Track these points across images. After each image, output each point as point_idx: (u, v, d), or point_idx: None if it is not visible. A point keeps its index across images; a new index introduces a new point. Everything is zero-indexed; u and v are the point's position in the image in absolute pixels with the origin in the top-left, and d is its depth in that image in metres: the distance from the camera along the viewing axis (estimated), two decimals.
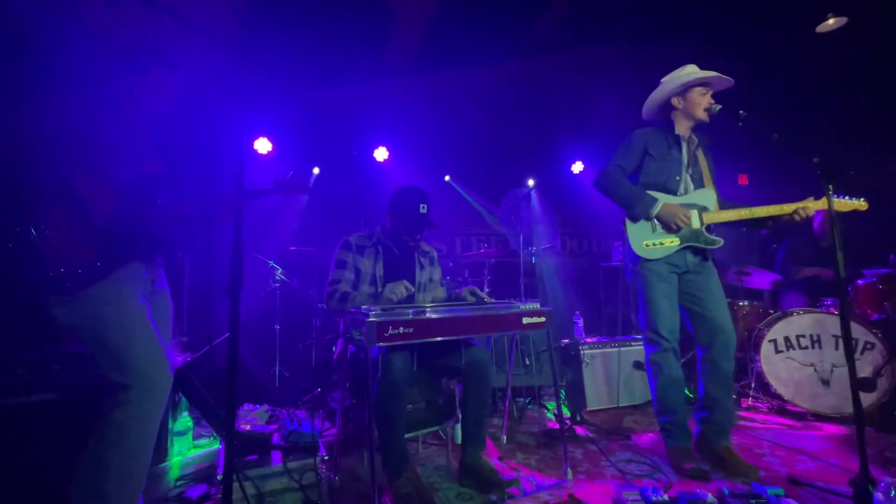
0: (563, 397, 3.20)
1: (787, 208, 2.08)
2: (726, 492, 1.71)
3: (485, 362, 1.99)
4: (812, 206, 2.05)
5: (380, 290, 2.09)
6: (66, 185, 1.37)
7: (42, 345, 1.93)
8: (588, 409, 3.00)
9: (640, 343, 3.22)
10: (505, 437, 2.38)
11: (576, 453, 2.27)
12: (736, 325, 2.58)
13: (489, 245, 5.49)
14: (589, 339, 3.20)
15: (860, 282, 3.07)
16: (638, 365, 3.14)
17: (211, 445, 2.45)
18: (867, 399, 2.60)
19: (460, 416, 2.09)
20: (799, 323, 2.84)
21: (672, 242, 2.11)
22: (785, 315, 2.89)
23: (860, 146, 4.14)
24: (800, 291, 3.49)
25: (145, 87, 1.60)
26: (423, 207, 2.10)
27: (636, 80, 3.95)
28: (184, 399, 2.49)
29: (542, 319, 1.93)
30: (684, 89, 2.16)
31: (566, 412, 2.87)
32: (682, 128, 2.22)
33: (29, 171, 1.35)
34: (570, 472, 1.97)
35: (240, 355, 1.16)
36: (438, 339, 1.71)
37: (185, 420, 2.43)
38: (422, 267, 2.29)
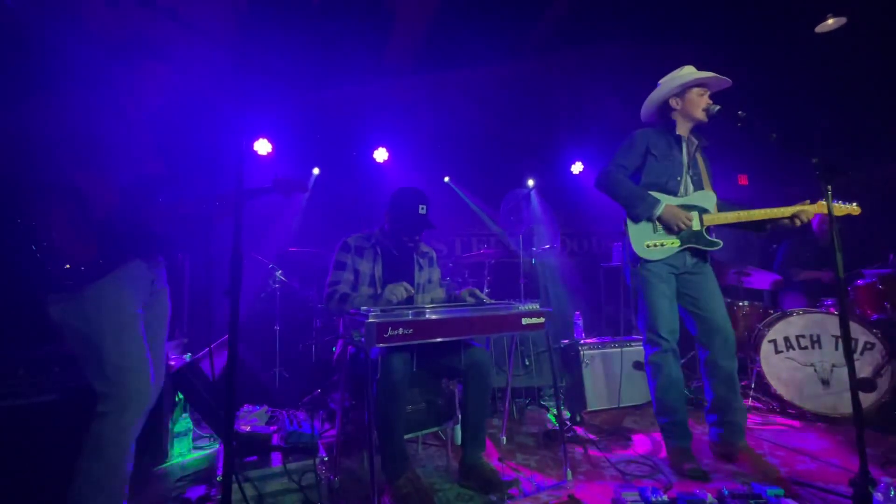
0: (563, 398, 3.20)
1: (785, 211, 2.09)
2: (726, 492, 1.70)
3: (484, 363, 1.99)
4: (810, 209, 2.06)
5: (379, 291, 2.10)
6: (68, 184, 1.37)
7: (43, 346, 1.93)
8: (588, 409, 3.00)
9: (640, 344, 3.21)
10: (505, 438, 2.38)
11: (576, 454, 2.27)
12: (736, 325, 2.59)
13: (489, 246, 5.49)
14: (589, 340, 3.20)
15: (860, 282, 3.07)
16: (638, 365, 3.14)
17: (211, 447, 2.46)
18: (867, 399, 2.60)
19: (460, 416, 2.09)
20: (799, 323, 2.84)
21: (672, 244, 2.12)
22: (785, 315, 2.89)
23: (860, 146, 4.14)
24: (799, 292, 3.49)
25: (146, 87, 1.60)
26: (422, 208, 2.10)
27: (636, 80, 3.95)
28: (183, 400, 2.50)
29: (542, 320, 1.93)
30: (682, 90, 2.16)
31: (566, 413, 2.87)
32: (682, 129, 2.22)
33: (31, 169, 1.35)
34: (569, 472, 1.97)
35: (239, 356, 1.16)
36: (438, 339, 1.71)
37: (185, 421, 2.43)
38: (420, 268, 2.29)
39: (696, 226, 2.13)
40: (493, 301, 2.07)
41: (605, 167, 2.22)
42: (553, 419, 2.82)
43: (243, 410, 2.25)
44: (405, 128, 4.90)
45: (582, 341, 3.18)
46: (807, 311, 2.87)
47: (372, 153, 4.90)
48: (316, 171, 4.80)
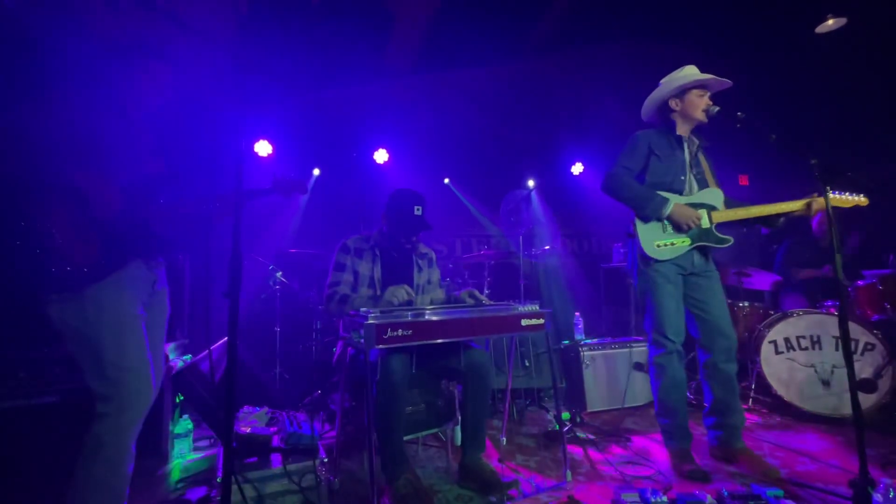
0: (563, 399, 3.20)
1: (794, 205, 2.07)
2: (725, 493, 1.70)
3: (484, 364, 1.99)
4: (822, 200, 2.00)
5: (378, 292, 2.10)
6: (69, 185, 1.38)
7: (44, 348, 1.94)
8: (588, 410, 3.00)
9: (641, 344, 3.22)
10: (504, 439, 2.38)
11: (575, 455, 2.27)
12: (736, 326, 2.58)
13: (489, 246, 5.50)
14: (589, 341, 3.20)
15: (860, 282, 3.06)
16: (638, 366, 3.13)
17: (211, 448, 2.46)
18: (868, 400, 2.59)
19: (460, 417, 2.09)
20: (799, 324, 2.84)
21: (683, 242, 2.11)
22: (785, 316, 2.89)
23: (860, 147, 4.13)
24: (800, 292, 3.48)
25: (146, 88, 1.61)
26: (418, 209, 2.10)
27: (636, 81, 3.95)
28: (183, 401, 2.50)
29: (542, 321, 1.93)
30: (681, 92, 2.17)
31: (566, 414, 2.87)
32: (682, 129, 2.22)
33: (33, 170, 1.36)
34: (569, 473, 1.97)
35: (239, 357, 1.17)
36: (438, 341, 1.71)
37: (185, 422, 2.44)
38: (420, 269, 2.29)
39: (705, 223, 2.12)
40: (491, 302, 2.07)
41: (610, 170, 2.22)
42: (553, 420, 2.82)
43: (243, 412, 2.25)
44: (405, 129, 4.90)
45: (582, 342, 3.18)
46: (807, 312, 2.87)
47: (372, 154, 4.91)
48: (316, 171, 4.81)
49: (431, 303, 2.23)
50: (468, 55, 3.87)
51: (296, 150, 4.66)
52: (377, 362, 1.83)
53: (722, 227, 2.17)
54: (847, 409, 2.58)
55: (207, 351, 1.41)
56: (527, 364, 3.14)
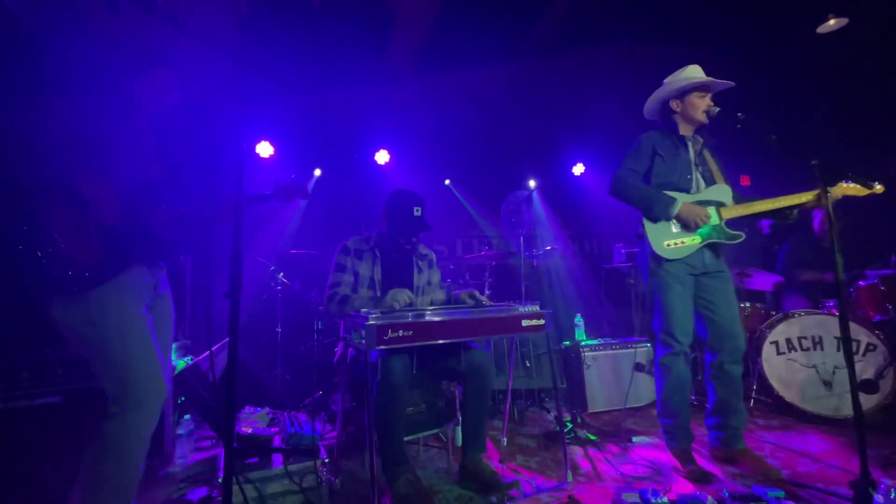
0: (564, 399, 3.20)
1: (803, 197, 2.04)
2: (726, 494, 1.70)
3: (485, 365, 1.99)
4: (833, 191, 1.97)
5: (378, 293, 2.10)
6: (71, 188, 1.38)
7: (46, 348, 1.95)
8: (589, 411, 3.00)
9: (642, 345, 3.22)
10: (505, 440, 2.38)
11: (576, 456, 2.27)
12: None
13: (490, 247, 5.50)
14: (590, 341, 3.20)
15: (862, 283, 3.05)
16: (639, 367, 3.13)
17: (213, 448, 2.47)
18: (869, 401, 2.58)
19: (460, 418, 2.10)
20: (801, 324, 2.83)
21: (693, 241, 2.10)
22: (787, 316, 2.88)
23: (861, 147, 4.12)
24: (802, 293, 3.47)
25: (148, 91, 1.61)
26: (418, 210, 2.10)
27: (636, 81, 3.95)
28: (186, 402, 2.51)
29: (542, 322, 1.93)
30: (682, 93, 2.17)
31: (566, 414, 2.87)
32: (685, 130, 2.22)
33: (36, 173, 1.37)
34: (570, 474, 1.97)
35: (240, 358, 1.17)
36: (438, 341, 1.72)
37: (186, 423, 2.44)
38: (420, 270, 2.29)
39: (714, 220, 2.11)
40: (491, 303, 2.07)
41: (616, 173, 2.22)
42: (554, 421, 2.83)
43: (245, 412, 2.26)
44: (406, 130, 4.91)
45: (583, 343, 3.17)
46: (809, 313, 2.86)
47: (373, 155, 4.92)
48: (317, 172, 4.81)
49: (432, 304, 2.24)
50: (469, 56, 3.88)
51: (297, 152, 4.67)
52: (378, 363, 1.84)
53: (732, 223, 2.16)
54: (848, 410, 2.57)
55: (208, 352, 1.42)
56: (527, 365, 3.14)
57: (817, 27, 3.51)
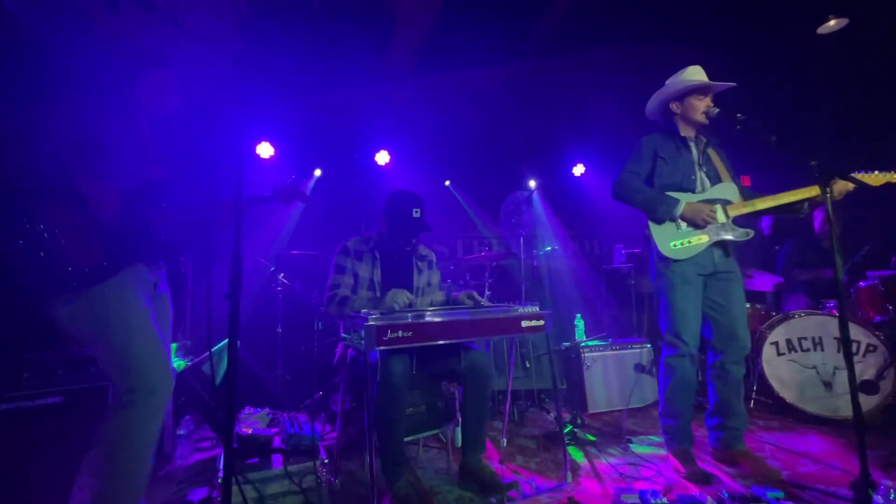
0: (564, 400, 3.20)
1: (812, 191, 2.03)
2: (726, 495, 1.71)
3: (484, 366, 1.99)
4: (842, 183, 1.94)
5: (378, 294, 2.10)
6: (72, 187, 1.39)
7: (46, 349, 1.95)
8: (589, 412, 3.00)
9: (642, 346, 3.22)
10: (505, 441, 2.38)
11: (576, 456, 2.27)
12: None
13: (490, 248, 5.50)
14: (590, 342, 3.20)
15: (862, 284, 3.05)
16: (639, 368, 3.13)
17: (213, 449, 2.47)
18: (869, 401, 2.58)
19: (460, 419, 2.10)
20: (801, 325, 2.83)
21: (700, 240, 2.09)
22: (787, 317, 2.88)
23: (861, 147, 4.12)
24: (802, 293, 3.47)
25: (149, 92, 1.62)
26: (417, 212, 2.10)
27: (637, 81, 3.94)
28: (185, 402, 2.51)
29: (542, 322, 1.93)
30: (681, 95, 2.17)
31: (566, 415, 2.87)
32: (686, 131, 2.22)
33: (36, 172, 1.37)
34: (569, 475, 1.97)
35: (240, 358, 1.17)
36: (438, 342, 1.72)
37: (187, 423, 2.45)
38: (420, 271, 2.29)
39: (721, 218, 2.10)
40: (490, 304, 2.07)
41: (619, 176, 2.22)
42: (553, 421, 2.82)
43: (244, 412, 2.27)
44: (406, 130, 4.91)
45: (583, 343, 3.17)
46: (809, 313, 2.86)
47: (373, 156, 4.92)
48: (318, 172, 4.81)
49: (431, 305, 2.24)
50: (469, 56, 3.88)
51: (298, 152, 4.67)
52: (377, 363, 1.84)
53: (740, 220, 2.14)
54: (848, 411, 2.56)
55: (209, 352, 1.42)
56: (527, 365, 3.14)
57: (818, 28, 3.51)
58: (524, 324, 1.89)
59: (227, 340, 1.22)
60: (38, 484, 1.70)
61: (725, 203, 2.13)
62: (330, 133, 4.80)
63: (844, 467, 2.03)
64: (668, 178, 2.17)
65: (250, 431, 2.05)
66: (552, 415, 2.94)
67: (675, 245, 2.10)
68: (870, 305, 2.99)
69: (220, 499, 1.58)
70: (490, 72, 4.19)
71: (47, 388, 1.81)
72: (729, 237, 2.10)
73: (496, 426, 2.67)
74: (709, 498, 1.68)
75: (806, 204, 2.10)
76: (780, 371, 2.79)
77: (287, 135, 4.54)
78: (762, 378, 2.84)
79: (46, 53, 2.17)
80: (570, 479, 1.96)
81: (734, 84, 2.12)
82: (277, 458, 1.89)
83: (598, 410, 3.02)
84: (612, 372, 3.11)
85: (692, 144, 2.21)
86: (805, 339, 2.81)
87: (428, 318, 1.70)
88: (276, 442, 2.04)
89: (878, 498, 1.44)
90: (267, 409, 2.35)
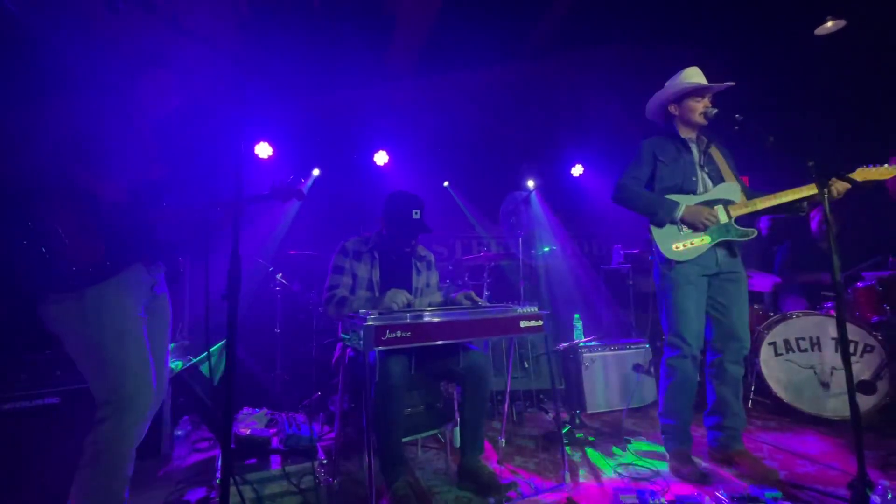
0: (562, 400, 3.20)
1: (815, 188, 2.00)
2: (724, 495, 1.71)
3: (483, 366, 1.99)
4: (840, 184, 1.92)
5: (377, 294, 2.10)
6: (74, 186, 1.39)
7: (44, 350, 1.95)
8: (587, 412, 3.00)
9: (640, 346, 3.22)
10: (504, 441, 2.38)
11: (574, 457, 2.27)
12: None
13: (489, 248, 5.50)
14: (588, 342, 3.20)
15: (859, 284, 3.06)
16: (638, 368, 3.14)
17: (211, 449, 2.46)
18: (867, 402, 2.59)
19: (459, 419, 2.10)
20: (799, 325, 2.84)
21: (702, 241, 2.09)
22: (785, 318, 2.89)
23: (860, 148, 4.14)
24: (800, 294, 3.48)
25: (149, 92, 1.62)
26: (416, 213, 2.10)
27: (636, 82, 3.95)
28: (184, 403, 2.50)
29: (540, 323, 1.93)
30: (679, 97, 2.17)
31: (565, 415, 2.87)
32: (685, 132, 2.22)
33: (38, 171, 1.37)
34: (568, 475, 1.97)
35: (239, 359, 1.17)
36: (437, 342, 1.72)
37: (185, 424, 2.44)
38: (418, 272, 2.29)
39: (723, 218, 2.10)
40: (488, 304, 2.07)
41: (619, 181, 2.23)
42: (552, 422, 2.83)
43: (243, 413, 2.26)
44: (405, 131, 4.91)
45: (581, 344, 3.18)
46: (807, 314, 2.87)
47: (372, 156, 4.92)
48: (316, 171, 4.81)
49: (430, 305, 2.24)
50: (468, 57, 3.88)
51: (296, 152, 4.67)
52: (376, 364, 1.84)
53: (743, 219, 2.13)
54: (846, 411, 2.58)
55: (207, 352, 1.42)
56: (526, 366, 3.14)
57: (815, 29, 3.52)
58: (523, 324, 1.90)
59: (225, 340, 1.21)
60: (36, 484, 1.69)
61: (727, 203, 2.12)
62: (328, 133, 4.80)
63: (842, 467, 2.04)
64: (668, 180, 2.17)
65: (248, 432, 2.05)
66: (551, 415, 2.94)
67: (676, 247, 2.10)
68: (867, 306, 3.00)
69: (218, 499, 1.58)
70: (489, 72, 4.19)
71: (45, 389, 1.81)
72: (732, 237, 2.10)
73: (495, 426, 2.67)
74: (707, 498, 1.69)
75: (806, 203, 2.10)
76: (777, 371, 2.80)
77: (286, 135, 4.54)
78: (760, 378, 2.85)
79: (46, 53, 2.17)
80: (568, 479, 1.96)
81: (732, 84, 2.12)
82: (276, 459, 1.89)
83: (597, 410, 3.02)
84: (610, 372, 3.11)
85: (693, 146, 2.21)
86: (803, 339, 2.81)
87: (427, 319, 1.70)
88: (275, 442, 2.04)
89: (875, 498, 1.44)
90: (265, 410, 2.35)
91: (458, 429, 2.13)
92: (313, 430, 2.04)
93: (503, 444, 2.36)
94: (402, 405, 1.89)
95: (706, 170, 2.19)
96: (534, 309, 1.93)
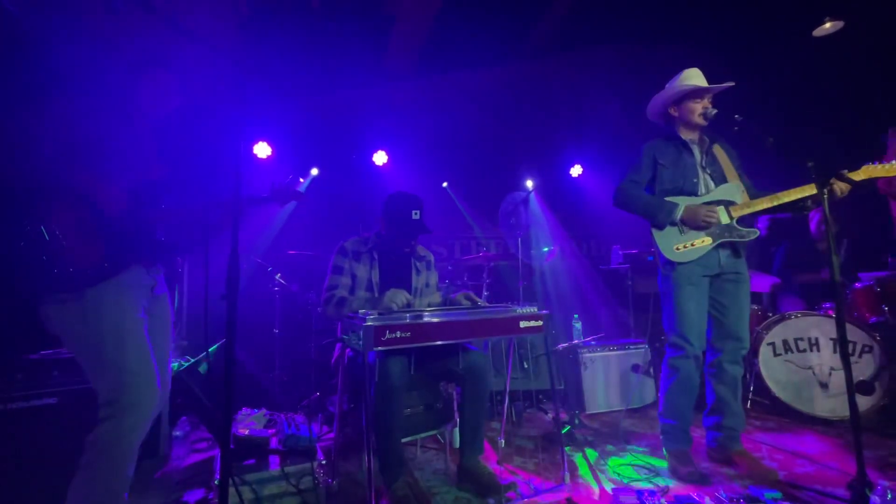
0: (562, 401, 3.20)
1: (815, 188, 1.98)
2: (724, 496, 1.71)
3: (482, 366, 1.99)
4: (841, 184, 1.90)
5: (376, 294, 2.10)
6: (73, 187, 1.38)
7: (42, 350, 1.94)
8: (587, 412, 3.00)
9: (639, 346, 3.22)
10: (503, 441, 2.37)
11: (574, 457, 2.27)
12: None
13: (488, 248, 5.50)
14: (588, 343, 3.20)
15: (858, 285, 3.07)
16: (636, 368, 3.14)
17: (209, 450, 2.46)
18: (865, 402, 2.60)
19: (458, 419, 2.09)
20: (797, 326, 2.84)
21: (703, 242, 2.09)
22: (783, 318, 2.89)
23: (858, 149, 4.15)
24: (798, 294, 3.49)
25: (148, 93, 1.62)
26: (416, 214, 2.10)
27: (635, 82, 3.95)
28: (182, 403, 2.50)
29: (540, 323, 1.93)
30: (678, 99, 2.17)
31: (564, 416, 2.87)
32: (686, 133, 2.22)
33: (37, 172, 1.36)
34: (567, 475, 1.97)
35: (238, 359, 1.17)
36: (436, 343, 1.71)
37: (183, 424, 2.44)
38: (418, 272, 2.29)
39: (724, 219, 2.09)
40: (487, 304, 2.07)
41: (619, 185, 2.24)
42: (552, 422, 2.82)
43: (241, 413, 2.25)
44: (404, 131, 4.91)
45: (580, 344, 3.18)
46: (805, 314, 2.87)
47: (371, 156, 4.91)
48: (314, 171, 4.80)
49: (429, 306, 2.23)
50: (468, 57, 3.88)
51: (295, 152, 4.66)
52: (375, 364, 1.83)
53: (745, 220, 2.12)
54: (845, 412, 2.58)
55: (205, 352, 1.41)
56: (525, 366, 3.14)
57: (813, 30, 3.53)
58: (523, 324, 1.89)
59: (224, 341, 1.21)
60: (33, 485, 1.68)
61: (728, 204, 2.12)
62: (327, 133, 4.79)
63: (841, 468, 2.04)
64: (669, 183, 2.18)
65: (247, 432, 2.04)
66: (550, 415, 2.94)
67: (678, 248, 2.11)
68: (865, 306, 3.01)
69: (216, 500, 1.57)
70: (488, 72, 4.19)
71: (42, 389, 1.80)
72: (734, 238, 2.10)
73: (494, 427, 2.67)
74: (707, 498, 1.69)
75: (810, 201, 2.08)
76: (776, 372, 2.80)
77: (285, 134, 4.53)
78: (759, 379, 2.85)
79: (46, 54, 2.16)
80: (568, 479, 1.96)
81: (730, 84, 2.13)
82: (274, 459, 1.88)
83: (596, 411, 3.02)
84: (610, 372, 3.11)
85: (694, 147, 2.21)
86: (801, 339, 2.82)
87: (426, 319, 1.70)
88: (273, 443, 2.03)
89: (875, 498, 1.44)
90: (264, 410, 2.33)
91: (457, 429, 2.13)
92: (312, 430, 2.03)
93: (502, 445, 2.35)
94: (402, 405, 1.89)
95: (708, 171, 2.18)
96: (533, 309, 1.93)
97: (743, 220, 2.11)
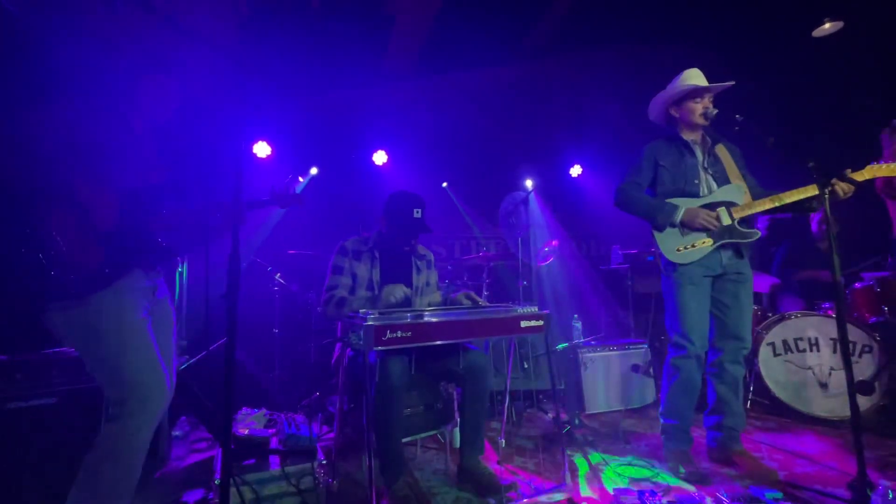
0: (562, 401, 3.20)
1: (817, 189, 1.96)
2: (724, 496, 1.71)
3: (483, 366, 1.99)
4: (844, 185, 1.88)
5: (377, 294, 2.10)
6: (72, 192, 1.37)
7: (40, 350, 1.94)
8: (587, 412, 3.00)
9: (639, 346, 3.22)
10: (503, 441, 2.37)
11: (574, 457, 2.27)
12: None
13: (488, 248, 5.50)
14: (588, 343, 3.20)
15: (858, 285, 3.07)
16: (636, 368, 3.14)
17: (209, 450, 2.45)
18: (865, 402, 2.59)
19: (458, 419, 2.09)
20: (797, 326, 2.84)
21: (704, 243, 2.08)
22: (783, 318, 2.89)
23: (858, 149, 4.15)
24: (798, 294, 3.49)
25: (148, 95, 1.61)
26: (418, 212, 2.10)
27: (634, 83, 3.95)
28: (182, 403, 2.49)
29: (541, 323, 1.93)
30: (678, 100, 2.17)
31: (565, 416, 2.87)
32: (687, 134, 2.22)
33: (37, 176, 1.36)
34: (568, 475, 1.97)
35: (238, 359, 1.17)
36: (437, 342, 1.71)
37: (183, 424, 2.43)
38: (418, 271, 2.29)
39: (725, 220, 2.08)
40: (488, 304, 2.07)
41: (620, 186, 2.24)
42: (552, 422, 2.82)
43: (241, 413, 2.25)
44: (404, 131, 4.91)
45: (581, 344, 3.18)
46: (805, 314, 2.88)
47: (371, 156, 4.91)
48: (314, 170, 4.79)
49: (429, 305, 2.23)
50: (468, 57, 3.88)
51: (295, 152, 4.66)
52: (376, 364, 1.83)
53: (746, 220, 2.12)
54: (844, 412, 2.59)
55: (205, 353, 1.41)
56: (525, 366, 3.14)
57: (813, 30, 3.54)
58: (523, 324, 1.89)
59: (224, 340, 1.21)
60: (32, 485, 1.68)
61: (730, 205, 2.11)
62: (327, 132, 4.79)
63: (841, 468, 2.04)
64: (670, 184, 2.17)
65: (247, 432, 2.04)
66: (550, 415, 2.94)
67: (679, 250, 2.11)
68: (865, 306, 3.01)
69: (216, 500, 1.57)
70: (488, 72, 4.19)
71: (41, 389, 1.80)
72: (735, 239, 2.09)
73: (494, 427, 2.67)
74: (707, 498, 1.69)
75: (815, 201, 2.06)
76: (776, 372, 2.80)
77: (284, 134, 4.53)
78: (759, 379, 2.85)
79: (45, 55, 2.15)
80: (568, 479, 1.96)
81: (731, 84, 2.12)
82: (275, 459, 1.88)
83: (597, 411, 3.02)
84: (610, 372, 3.11)
85: (696, 148, 2.21)
86: (801, 339, 2.82)
87: (427, 319, 1.70)
88: (274, 443, 2.02)
89: (875, 498, 1.45)
90: (264, 410, 2.33)
91: (457, 429, 2.13)
92: (312, 430, 2.03)
93: (503, 445, 2.35)
94: (402, 405, 1.89)
95: (710, 171, 2.18)
96: (534, 309, 1.93)
97: (744, 221, 2.11)
